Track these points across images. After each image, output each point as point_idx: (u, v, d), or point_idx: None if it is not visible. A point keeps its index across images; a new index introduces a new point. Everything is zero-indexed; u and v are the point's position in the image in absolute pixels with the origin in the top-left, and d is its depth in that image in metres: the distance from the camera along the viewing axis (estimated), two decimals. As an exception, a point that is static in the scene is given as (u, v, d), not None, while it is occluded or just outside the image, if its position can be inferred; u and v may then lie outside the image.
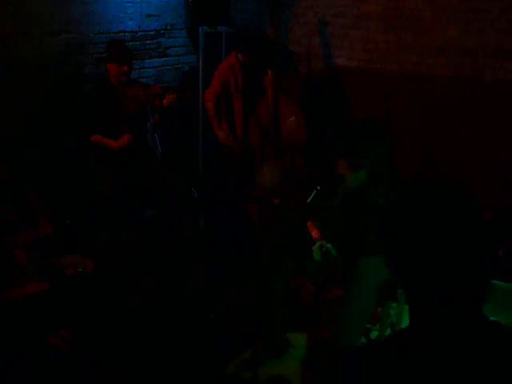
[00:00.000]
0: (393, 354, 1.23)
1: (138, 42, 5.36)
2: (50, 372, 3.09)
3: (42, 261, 3.51)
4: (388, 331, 3.96)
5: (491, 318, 1.24)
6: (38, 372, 3.06)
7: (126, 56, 4.50)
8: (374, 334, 3.95)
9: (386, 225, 1.28)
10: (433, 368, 1.17)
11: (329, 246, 3.64)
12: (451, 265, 1.18)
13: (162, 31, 5.56)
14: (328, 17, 5.89)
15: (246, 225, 5.14)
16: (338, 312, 3.60)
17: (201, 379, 3.58)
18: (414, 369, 1.18)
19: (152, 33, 5.48)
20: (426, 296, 1.21)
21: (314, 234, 3.74)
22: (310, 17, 6.05)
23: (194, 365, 3.60)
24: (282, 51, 5.91)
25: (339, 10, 5.77)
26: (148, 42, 5.46)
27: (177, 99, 4.56)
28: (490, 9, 4.78)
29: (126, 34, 5.23)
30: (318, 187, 3.39)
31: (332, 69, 5.99)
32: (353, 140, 3.59)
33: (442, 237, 1.19)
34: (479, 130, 4.98)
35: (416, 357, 1.19)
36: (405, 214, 1.25)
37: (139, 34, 5.35)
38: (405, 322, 3.98)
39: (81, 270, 3.55)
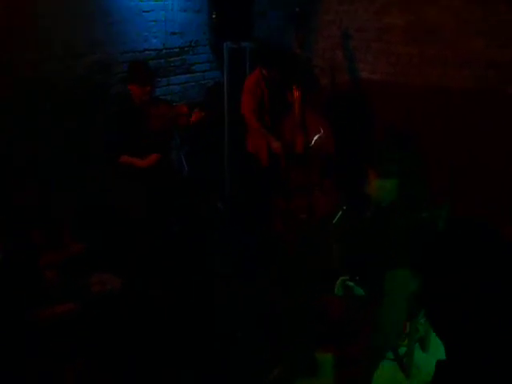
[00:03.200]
0: None
1: (162, 60, 5.42)
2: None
3: (71, 280, 3.55)
4: (417, 346, 3.94)
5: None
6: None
7: (147, 76, 4.49)
8: (402, 350, 3.94)
9: (429, 270, 1.28)
10: None
11: (351, 283, 3.59)
12: (489, 311, 1.18)
13: (186, 48, 5.62)
14: (351, 30, 5.92)
15: (271, 239, 5.14)
16: (370, 325, 3.57)
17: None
18: None
19: (176, 50, 5.54)
20: (464, 340, 1.21)
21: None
22: (334, 30, 6.08)
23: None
24: (306, 65, 5.92)
25: (362, 23, 5.78)
26: (172, 59, 5.53)
27: (204, 117, 4.59)
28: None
29: (151, 52, 5.29)
30: (344, 207, 3.37)
31: (355, 82, 6.00)
32: (383, 147, 3.57)
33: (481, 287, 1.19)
34: (505, 143, 4.94)
35: None
36: (446, 262, 1.25)
37: (164, 51, 5.41)
38: (433, 337, 3.97)
39: (110, 288, 3.60)
